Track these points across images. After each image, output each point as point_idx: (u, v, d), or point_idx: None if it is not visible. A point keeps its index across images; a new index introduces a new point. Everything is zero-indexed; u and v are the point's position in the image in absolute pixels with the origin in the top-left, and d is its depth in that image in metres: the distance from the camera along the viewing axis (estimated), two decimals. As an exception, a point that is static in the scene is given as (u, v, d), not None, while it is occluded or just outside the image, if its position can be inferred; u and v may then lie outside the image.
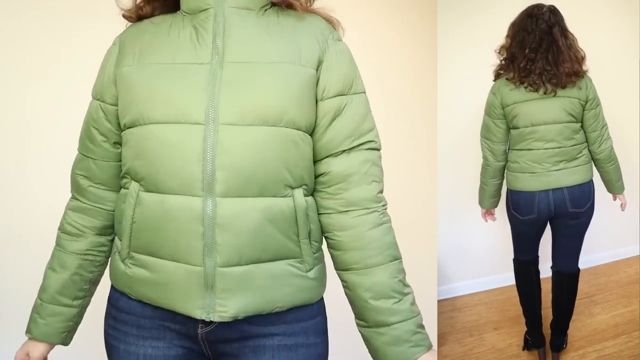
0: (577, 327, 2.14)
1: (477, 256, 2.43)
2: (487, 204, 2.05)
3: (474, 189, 2.16)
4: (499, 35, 1.93)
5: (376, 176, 0.90)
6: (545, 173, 1.82)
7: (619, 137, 1.98)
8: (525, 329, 2.11)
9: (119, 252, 0.89)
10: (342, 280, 0.92)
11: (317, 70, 0.86)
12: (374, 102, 2.42)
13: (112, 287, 0.94)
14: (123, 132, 0.88)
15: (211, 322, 0.83)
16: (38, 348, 0.98)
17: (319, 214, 0.90)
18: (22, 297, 1.78)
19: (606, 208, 2.06)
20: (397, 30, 2.47)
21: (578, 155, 1.83)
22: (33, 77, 1.77)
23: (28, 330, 0.99)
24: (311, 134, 0.88)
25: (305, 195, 0.87)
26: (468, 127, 2.13)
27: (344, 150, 0.88)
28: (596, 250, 2.42)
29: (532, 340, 2.05)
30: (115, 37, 0.95)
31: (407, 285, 0.91)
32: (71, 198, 0.98)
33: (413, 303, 0.89)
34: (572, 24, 1.88)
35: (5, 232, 1.75)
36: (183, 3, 0.90)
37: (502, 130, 1.91)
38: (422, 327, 0.89)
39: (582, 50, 1.82)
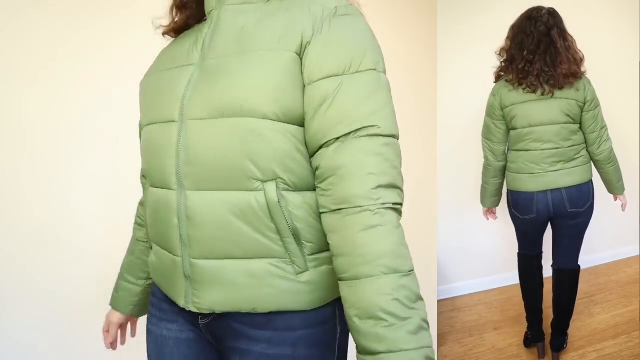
0: (577, 327, 2.14)
1: (477, 256, 2.43)
2: (489, 203, 2.07)
3: (474, 189, 2.16)
4: (499, 35, 1.93)
5: (373, 168, 0.73)
6: (543, 174, 1.84)
7: (618, 138, 1.98)
8: (525, 328, 2.12)
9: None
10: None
11: (301, 52, 0.77)
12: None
13: None
14: None
15: (207, 314, 0.84)
16: (115, 315, 1.16)
17: (321, 213, 0.79)
18: (22, 296, 1.79)
19: (606, 208, 2.06)
20: (397, 30, 2.47)
21: (576, 156, 1.84)
22: (28, 77, 1.77)
23: (110, 302, 1.17)
24: (301, 124, 0.79)
25: (286, 190, 0.77)
26: (468, 127, 2.14)
27: (337, 139, 0.75)
28: (596, 250, 2.42)
29: (532, 335, 2.06)
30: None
31: (411, 308, 0.69)
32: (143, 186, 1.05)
33: (416, 332, 0.68)
34: (573, 23, 1.88)
35: (4, 232, 1.76)
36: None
37: (501, 131, 1.94)
38: None
39: (580, 51, 1.82)
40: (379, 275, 0.70)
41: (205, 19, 0.92)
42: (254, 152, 0.75)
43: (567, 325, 1.97)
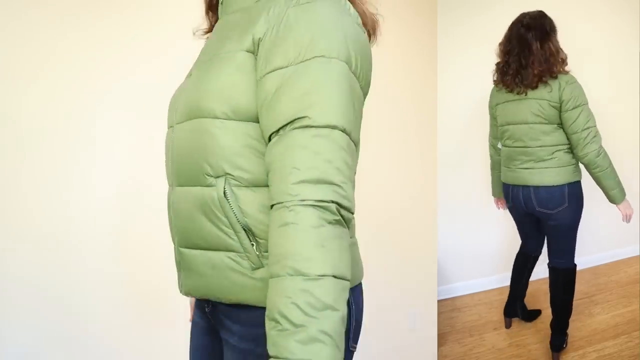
0: (577, 327, 2.14)
1: (477, 256, 2.43)
2: (496, 193, 2.18)
3: (474, 189, 2.16)
4: (499, 36, 1.93)
5: (298, 161, 0.69)
6: (515, 169, 1.92)
7: (618, 138, 1.98)
8: (525, 327, 2.12)
9: None
10: None
11: (255, 49, 0.77)
12: (373, 102, 2.42)
13: None
14: None
15: (207, 302, 0.89)
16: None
17: None
18: (23, 295, 1.79)
19: (606, 208, 2.06)
20: (398, 30, 2.47)
21: (547, 157, 1.85)
22: (27, 77, 1.77)
23: None
24: (253, 120, 0.78)
25: (237, 186, 0.77)
26: (468, 128, 2.14)
27: (276, 133, 0.72)
28: (596, 250, 2.42)
29: (505, 310, 2.19)
30: None
31: (309, 315, 0.63)
32: None
33: (306, 342, 0.62)
34: (572, 23, 1.88)
35: (4, 232, 1.76)
36: None
37: (495, 128, 2.04)
38: None
39: (562, 51, 1.83)
40: (284, 276, 0.65)
41: None
42: (206, 150, 0.78)
43: (566, 325, 1.98)
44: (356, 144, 0.74)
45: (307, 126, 0.69)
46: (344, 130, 0.70)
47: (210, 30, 1.00)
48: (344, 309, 0.65)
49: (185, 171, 0.82)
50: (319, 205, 0.67)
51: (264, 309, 0.71)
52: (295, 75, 0.71)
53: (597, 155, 1.80)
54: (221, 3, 0.91)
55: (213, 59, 0.81)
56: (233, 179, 0.77)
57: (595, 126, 1.81)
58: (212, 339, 0.94)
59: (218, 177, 0.77)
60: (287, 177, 0.68)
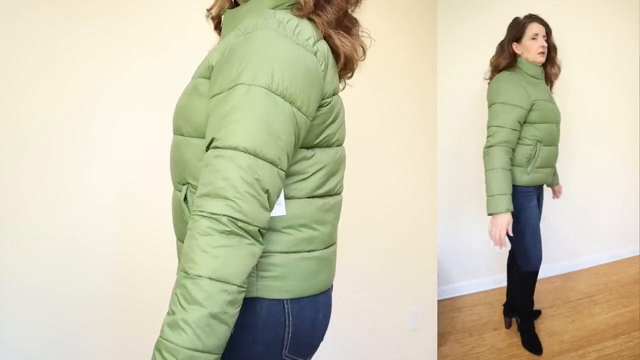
0: (577, 327, 2.14)
1: (477, 256, 2.43)
2: (510, 207, 2.22)
3: (474, 189, 2.16)
4: (499, 35, 1.93)
5: (203, 177, 0.79)
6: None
7: (618, 137, 1.98)
8: (525, 327, 2.13)
9: None
10: None
11: (209, 74, 0.87)
12: (374, 102, 2.42)
13: None
14: None
15: None
16: None
17: None
18: (22, 296, 1.79)
19: (606, 209, 2.06)
20: (398, 30, 2.47)
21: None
22: (26, 77, 1.77)
23: None
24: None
25: (191, 193, 0.90)
26: (468, 127, 2.14)
27: (205, 153, 0.83)
28: (596, 250, 2.42)
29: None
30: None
31: (180, 306, 0.75)
32: None
33: (173, 327, 0.74)
34: (572, 22, 1.88)
35: (5, 232, 1.75)
36: None
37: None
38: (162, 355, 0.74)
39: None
40: (179, 271, 0.78)
41: None
42: (177, 162, 0.94)
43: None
44: (273, 161, 0.80)
45: (215, 147, 0.79)
46: (245, 151, 0.78)
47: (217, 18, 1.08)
48: (215, 309, 0.75)
49: (173, 177, 0.97)
50: (211, 216, 0.77)
51: None
52: (221, 101, 0.81)
53: (485, 155, 1.85)
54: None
55: (191, 81, 0.93)
56: (191, 187, 0.91)
57: (494, 126, 1.83)
58: None
59: (183, 184, 0.92)
60: (197, 190, 0.80)
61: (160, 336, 0.76)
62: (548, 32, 1.90)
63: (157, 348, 0.76)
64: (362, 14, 1.00)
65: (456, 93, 2.29)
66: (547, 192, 2.09)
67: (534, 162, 1.89)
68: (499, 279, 2.42)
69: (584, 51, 1.93)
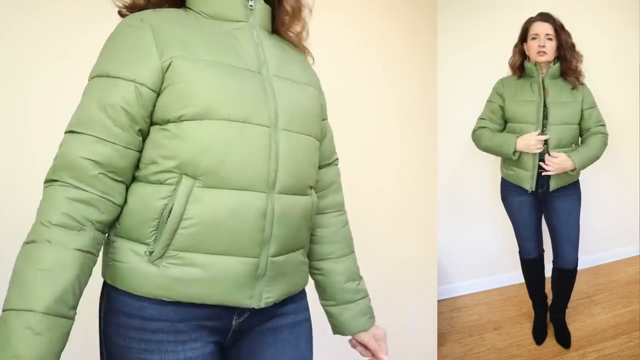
0: (577, 327, 2.14)
1: (477, 256, 2.43)
2: None
3: (474, 188, 2.16)
4: (499, 33, 1.93)
5: (341, 186, 1.13)
6: None
7: (618, 137, 1.97)
8: (524, 327, 2.12)
9: (146, 253, 0.83)
10: (317, 269, 1.08)
11: (320, 95, 1.03)
12: (373, 101, 2.42)
13: (128, 296, 0.83)
14: (170, 123, 0.84)
15: (244, 311, 0.89)
16: None
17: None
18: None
19: (606, 208, 2.05)
20: (397, 29, 2.47)
21: None
22: (29, 77, 1.77)
23: (16, 355, 0.72)
24: None
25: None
26: (469, 127, 2.13)
27: (329, 164, 1.09)
28: (596, 250, 2.42)
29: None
30: (133, 19, 0.88)
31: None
32: (66, 185, 0.82)
33: (364, 285, 1.11)
34: (573, 21, 1.88)
35: (6, 230, 1.75)
36: (203, 5, 0.91)
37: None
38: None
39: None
40: (353, 253, 1.13)
41: (189, 10, 0.92)
42: (314, 165, 0.97)
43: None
44: (110, 132, 0.83)
45: (336, 164, 1.13)
46: (71, 132, 0.85)
47: (136, 5, 0.94)
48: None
49: (300, 181, 0.92)
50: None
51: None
52: (330, 127, 1.12)
53: (472, 139, 2.10)
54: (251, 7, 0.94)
55: (305, 84, 0.98)
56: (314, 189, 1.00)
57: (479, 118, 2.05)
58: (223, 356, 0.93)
59: (312, 187, 0.98)
60: (341, 195, 1.15)
61: (367, 296, 1.11)
62: (557, 30, 1.89)
63: (370, 301, 1.11)
64: (361, 13, 1.01)
65: (457, 92, 2.29)
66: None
67: (507, 160, 1.99)
68: (499, 279, 2.42)
69: (584, 51, 1.92)
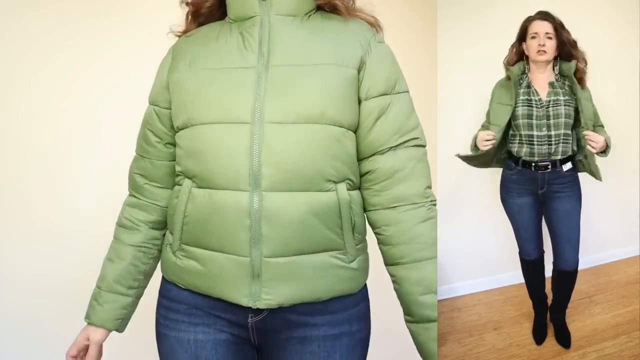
0: (577, 327, 2.13)
1: (477, 256, 2.43)
2: None
3: (475, 188, 2.16)
4: (499, 33, 1.93)
5: (422, 172, 0.94)
6: None
7: (618, 137, 1.97)
8: (525, 327, 2.13)
9: (170, 245, 0.95)
10: (391, 275, 0.96)
11: (359, 71, 0.91)
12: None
13: (164, 278, 1.00)
14: (176, 134, 0.94)
15: (261, 311, 0.89)
16: (96, 333, 1.03)
17: (366, 210, 0.96)
18: (22, 297, 1.78)
19: (606, 208, 2.05)
20: (397, 29, 2.46)
21: None
22: (29, 75, 1.77)
23: (87, 317, 1.05)
24: (355, 131, 0.92)
25: (349, 190, 0.90)
26: (469, 127, 2.13)
27: (390, 148, 0.92)
28: (596, 250, 2.42)
29: None
30: (169, 48, 1.03)
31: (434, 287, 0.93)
32: (129, 195, 1.07)
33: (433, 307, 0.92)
34: (573, 20, 1.88)
35: (5, 230, 1.75)
36: (230, 11, 0.96)
37: None
38: None
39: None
40: (434, 258, 0.91)
41: (226, 20, 0.98)
42: (335, 156, 0.87)
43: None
44: (144, 150, 1.03)
45: (419, 145, 0.98)
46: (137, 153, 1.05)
47: (188, 31, 1.04)
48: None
49: (298, 176, 0.85)
50: (435, 204, 1.00)
51: (356, 293, 0.94)
52: (399, 103, 0.96)
53: None
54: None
55: (318, 67, 0.90)
56: (349, 183, 0.90)
57: None
58: (246, 354, 0.94)
59: (339, 182, 0.88)
60: (419, 184, 0.98)
61: (432, 318, 0.90)
62: (557, 29, 1.88)
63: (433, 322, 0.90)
64: (372, 9, 1.01)
65: (457, 91, 2.29)
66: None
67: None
68: (499, 279, 2.41)
69: (584, 51, 1.92)
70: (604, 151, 1.82)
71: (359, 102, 0.91)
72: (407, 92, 0.96)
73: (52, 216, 1.80)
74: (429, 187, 0.95)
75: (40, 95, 1.78)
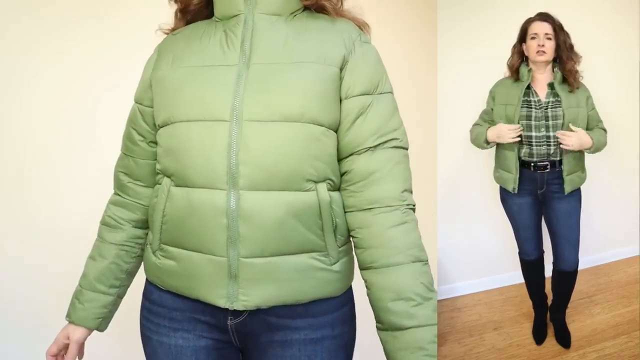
0: (577, 327, 2.13)
1: (477, 256, 2.43)
2: None
3: (475, 188, 2.16)
4: (499, 33, 1.93)
5: (400, 174, 0.90)
6: None
7: (618, 137, 1.97)
8: (525, 328, 2.13)
9: (150, 245, 0.94)
10: (364, 280, 0.90)
11: (341, 69, 0.88)
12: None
13: (147, 280, 0.99)
14: (157, 131, 0.94)
15: (240, 313, 0.87)
16: (76, 331, 1.03)
17: (345, 212, 0.91)
18: (23, 298, 1.78)
19: (606, 208, 2.05)
20: (397, 29, 2.47)
21: None
22: (29, 75, 1.77)
23: (68, 315, 1.04)
24: (336, 131, 0.89)
25: (330, 190, 0.88)
26: (468, 127, 2.13)
27: (369, 148, 0.88)
28: (596, 250, 2.42)
29: None
30: (156, 46, 1.02)
31: (431, 290, 0.84)
32: (113, 193, 1.06)
33: (434, 310, 0.82)
34: (574, 21, 1.88)
35: (5, 230, 1.75)
36: (216, 10, 0.95)
37: None
38: (436, 339, 0.82)
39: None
40: (408, 263, 0.85)
41: (212, 19, 0.97)
42: (315, 156, 0.84)
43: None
44: (129, 148, 1.01)
45: (399, 147, 0.94)
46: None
47: (176, 29, 1.03)
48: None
49: (276, 175, 0.83)
50: (414, 208, 0.94)
51: (339, 296, 0.91)
52: (381, 103, 0.93)
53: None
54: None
55: (299, 65, 0.88)
56: (330, 183, 0.88)
57: None
58: (227, 358, 0.92)
59: (319, 182, 0.86)
60: (394, 186, 0.92)
61: (427, 324, 0.81)
62: (556, 30, 1.88)
63: (434, 334, 0.80)
64: (360, 13, 1.00)
65: (456, 91, 2.29)
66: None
67: (496, 161, 2.01)
68: (499, 279, 2.41)
69: (584, 51, 1.92)
70: (589, 148, 1.84)
71: (340, 101, 0.89)
72: (391, 93, 0.93)
73: (52, 215, 1.80)
74: (407, 190, 0.89)
75: (40, 95, 1.78)
